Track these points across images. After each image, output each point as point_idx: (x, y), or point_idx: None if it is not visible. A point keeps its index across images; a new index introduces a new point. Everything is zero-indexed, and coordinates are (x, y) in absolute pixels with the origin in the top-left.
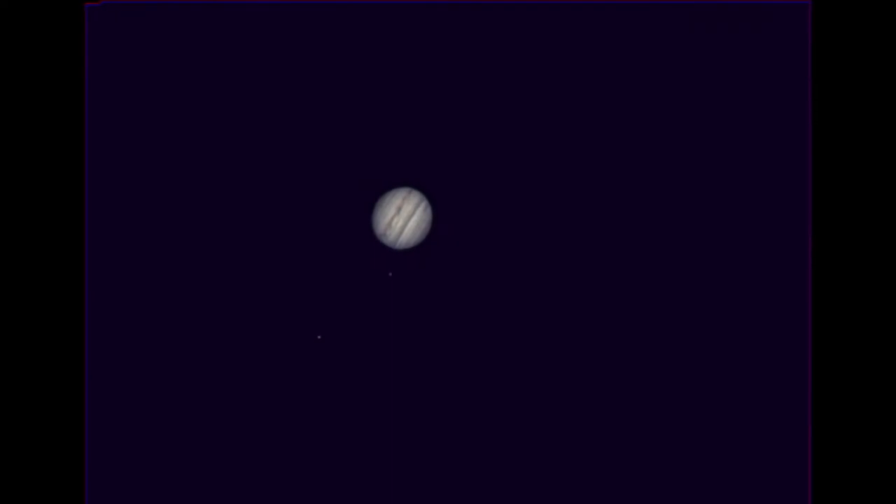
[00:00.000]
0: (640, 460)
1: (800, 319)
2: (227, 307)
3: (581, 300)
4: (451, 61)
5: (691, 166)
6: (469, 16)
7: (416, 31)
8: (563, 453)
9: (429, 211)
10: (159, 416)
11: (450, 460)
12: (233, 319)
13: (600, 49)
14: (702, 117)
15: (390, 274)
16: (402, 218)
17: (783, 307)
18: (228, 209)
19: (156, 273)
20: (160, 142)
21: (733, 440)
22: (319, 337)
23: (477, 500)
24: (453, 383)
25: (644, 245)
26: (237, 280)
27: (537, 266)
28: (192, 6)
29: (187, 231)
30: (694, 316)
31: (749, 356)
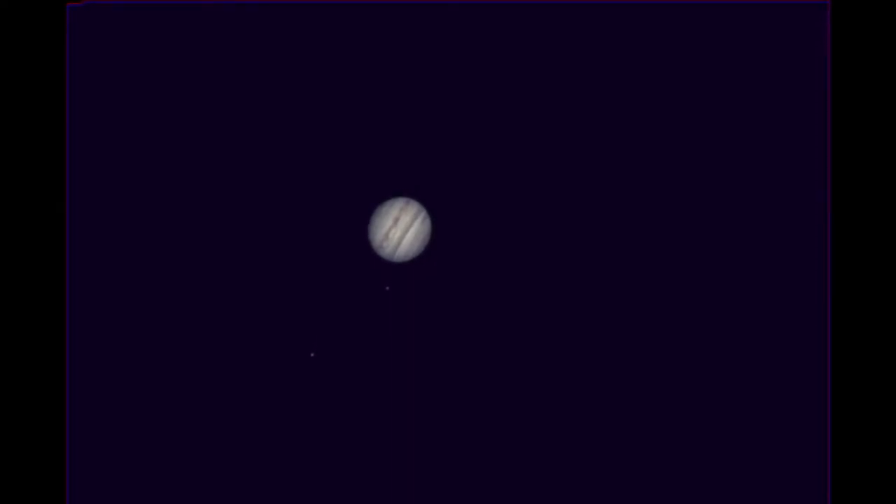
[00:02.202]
0: (660, 463)
1: (818, 322)
2: (215, 321)
3: (587, 310)
4: (451, 67)
5: (709, 168)
6: (470, 18)
7: (413, 35)
8: (573, 459)
9: (427, 222)
10: (142, 430)
11: (449, 472)
12: (222, 333)
13: (613, 50)
14: (720, 117)
15: (387, 288)
16: (400, 229)
17: (802, 310)
18: (215, 218)
19: (139, 282)
20: (142, 143)
21: (752, 439)
22: (312, 355)
23: None
24: (453, 399)
25: (661, 248)
26: (225, 293)
27: (542, 277)
28: (175, 7)
29: (170, 238)
30: (712, 320)
31: (767, 355)
